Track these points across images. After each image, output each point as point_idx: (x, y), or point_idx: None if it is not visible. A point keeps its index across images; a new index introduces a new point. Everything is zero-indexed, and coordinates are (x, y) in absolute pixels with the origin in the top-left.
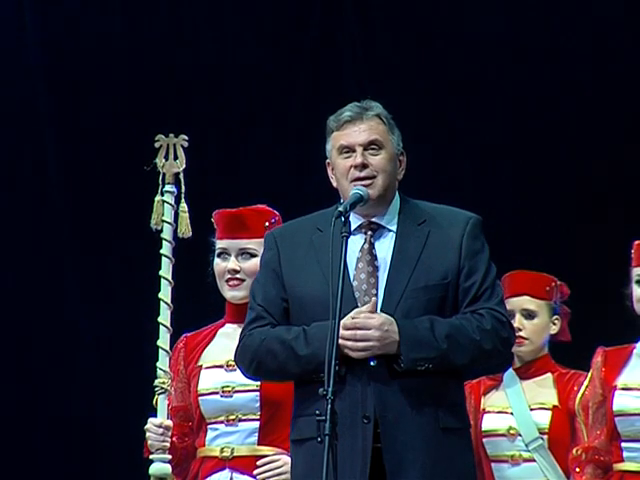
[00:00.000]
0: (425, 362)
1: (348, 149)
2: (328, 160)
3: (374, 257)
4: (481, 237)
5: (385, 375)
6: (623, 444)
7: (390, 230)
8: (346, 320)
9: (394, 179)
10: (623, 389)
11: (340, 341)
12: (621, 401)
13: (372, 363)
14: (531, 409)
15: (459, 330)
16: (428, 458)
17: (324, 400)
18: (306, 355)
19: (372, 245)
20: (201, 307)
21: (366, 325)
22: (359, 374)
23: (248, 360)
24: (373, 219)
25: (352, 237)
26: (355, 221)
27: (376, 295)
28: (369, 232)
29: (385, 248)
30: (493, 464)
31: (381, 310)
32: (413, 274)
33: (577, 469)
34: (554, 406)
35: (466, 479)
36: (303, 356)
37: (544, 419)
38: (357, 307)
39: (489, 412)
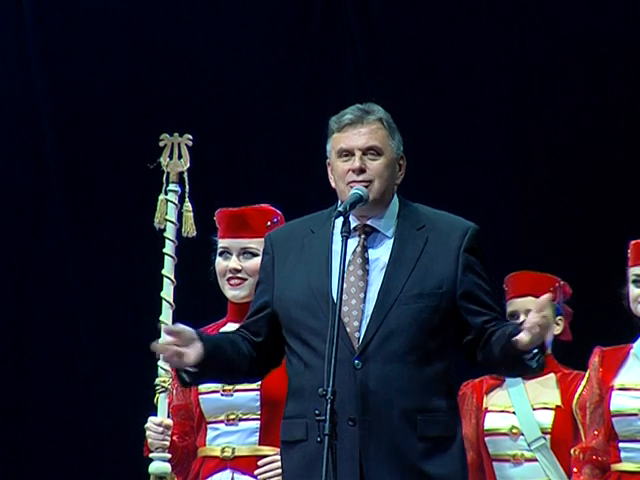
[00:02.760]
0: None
1: (347, 152)
2: (328, 160)
3: (366, 261)
4: (480, 247)
5: (370, 378)
6: (620, 444)
7: (385, 235)
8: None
9: (392, 183)
10: (620, 389)
11: None
12: (618, 401)
13: (356, 362)
14: (534, 409)
15: None
16: (401, 466)
17: (317, 401)
18: None
19: (365, 248)
20: (203, 306)
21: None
22: (345, 376)
23: None
24: (368, 222)
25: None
26: (350, 223)
27: (363, 300)
28: (362, 235)
29: (379, 252)
30: (495, 463)
31: (372, 314)
32: (408, 280)
33: (575, 469)
34: (557, 406)
35: None
36: None
37: (547, 419)
38: (342, 310)
39: (491, 411)
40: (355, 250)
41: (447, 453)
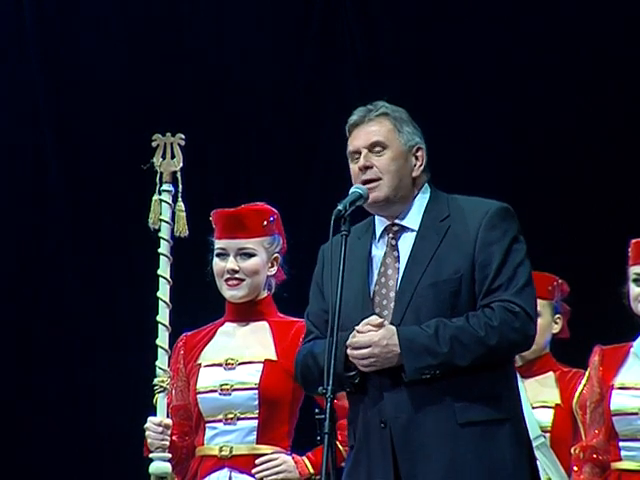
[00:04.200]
0: (430, 370)
1: (356, 153)
2: None
3: (396, 259)
4: (502, 225)
5: (400, 377)
6: (621, 443)
7: (413, 230)
8: (350, 338)
9: (405, 177)
10: (620, 388)
11: (350, 357)
12: (618, 400)
13: None
14: (533, 407)
15: (464, 331)
16: (444, 454)
17: (364, 407)
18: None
19: (394, 247)
20: (200, 306)
21: (365, 343)
22: (375, 380)
23: (298, 377)
24: (396, 220)
25: (379, 241)
26: (380, 225)
27: (393, 298)
28: (390, 234)
29: (406, 248)
30: None
31: (393, 312)
32: (425, 272)
33: (575, 468)
34: (556, 404)
35: (498, 473)
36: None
37: (546, 417)
38: (375, 312)
39: None
40: (386, 251)
41: (500, 435)
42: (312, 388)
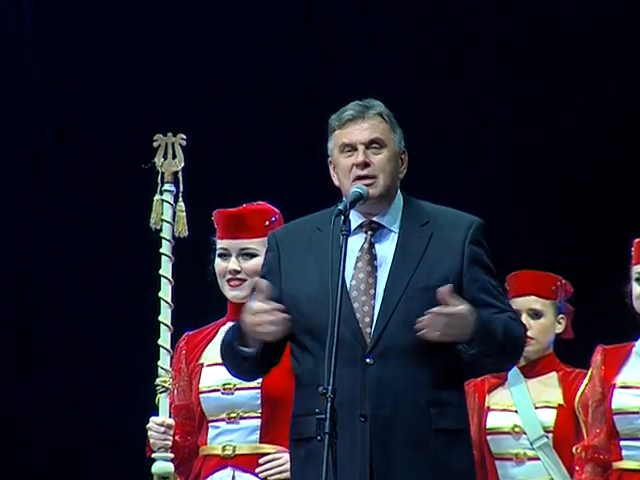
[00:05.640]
0: (484, 355)
1: (350, 147)
2: (330, 158)
3: (374, 257)
4: (483, 242)
5: (381, 374)
6: (622, 442)
7: (391, 230)
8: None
9: (396, 178)
10: (622, 387)
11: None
12: (620, 399)
13: (368, 360)
14: (536, 407)
15: (507, 328)
16: (417, 458)
17: (322, 399)
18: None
19: (372, 245)
20: (202, 305)
21: (458, 312)
22: (356, 373)
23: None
24: (374, 218)
25: (353, 236)
26: (356, 220)
27: (373, 296)
28: (369, 232)
29: (386, 248)
30: (497, 462)
31: (380, 310)
32: (414, 274)
33: (577, 467)
34: (559, 405)
35: None
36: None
37: (549, 417)
38: (352, 307)
39: (493, 410)
40: (362, 247)
41: (461, 445)
42: (250, 375)
